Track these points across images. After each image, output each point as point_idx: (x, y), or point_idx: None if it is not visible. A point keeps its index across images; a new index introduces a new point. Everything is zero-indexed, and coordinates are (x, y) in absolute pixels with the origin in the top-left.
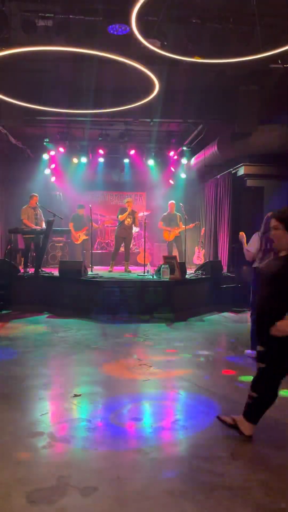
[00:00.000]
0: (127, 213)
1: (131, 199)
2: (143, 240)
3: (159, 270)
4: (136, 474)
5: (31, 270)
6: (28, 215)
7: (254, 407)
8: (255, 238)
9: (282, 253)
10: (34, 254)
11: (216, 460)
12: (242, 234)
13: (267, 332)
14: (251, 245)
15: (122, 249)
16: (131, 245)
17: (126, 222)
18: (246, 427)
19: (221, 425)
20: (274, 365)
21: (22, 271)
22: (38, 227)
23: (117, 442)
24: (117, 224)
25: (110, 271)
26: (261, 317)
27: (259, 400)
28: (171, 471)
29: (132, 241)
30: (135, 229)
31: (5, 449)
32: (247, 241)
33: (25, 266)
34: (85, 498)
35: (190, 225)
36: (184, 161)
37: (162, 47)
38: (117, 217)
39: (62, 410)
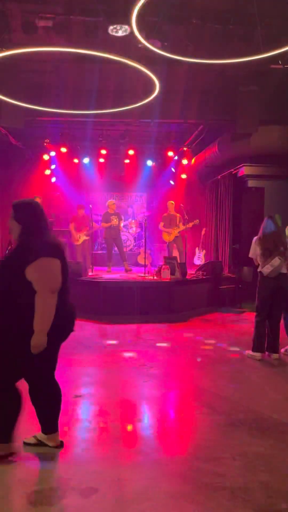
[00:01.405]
0: (115, 216)
1: (113, 200)
2: (143, 240)
3: (159, 270)
4: (137, 475)
5: None
6: None
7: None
8: (252, 243)
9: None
10: None
11: (217, 461)
12: None
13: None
14: (251, 250)
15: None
16: (131, 246)
17: (113, 223)
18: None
19: (222, 425)
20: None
21: None
22: None
23: (117, 443)
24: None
25: (108, 272)
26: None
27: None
28: (171, 472)
29: (133, 241)
30: (134, 230)
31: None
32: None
33: None
34: (86, 499)
35: (189, 224)
36: (184, 161)
37: (162, 47)
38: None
39: (62, 411)
